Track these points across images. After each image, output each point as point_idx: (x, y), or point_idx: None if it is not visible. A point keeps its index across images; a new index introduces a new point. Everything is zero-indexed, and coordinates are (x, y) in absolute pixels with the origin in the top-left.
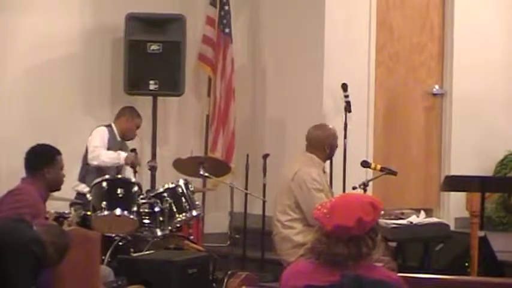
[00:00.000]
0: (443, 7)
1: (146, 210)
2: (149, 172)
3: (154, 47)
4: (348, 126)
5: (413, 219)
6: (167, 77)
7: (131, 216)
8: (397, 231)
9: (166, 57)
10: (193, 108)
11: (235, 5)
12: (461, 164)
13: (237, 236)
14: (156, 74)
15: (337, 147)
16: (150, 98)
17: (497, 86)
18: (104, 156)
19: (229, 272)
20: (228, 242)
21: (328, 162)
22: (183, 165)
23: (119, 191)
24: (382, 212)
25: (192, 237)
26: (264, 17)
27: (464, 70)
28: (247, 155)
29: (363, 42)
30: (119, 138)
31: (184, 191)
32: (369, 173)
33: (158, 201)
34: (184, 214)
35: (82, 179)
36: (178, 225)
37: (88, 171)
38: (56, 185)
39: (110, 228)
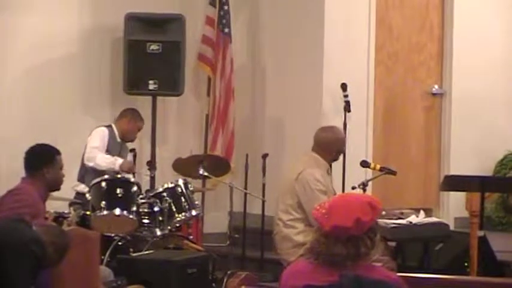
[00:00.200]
0: (442, 7)
1: (145, 210)
2: (148, 172)
3: (153, 46)
4: (347, 126)
5: (413, 219)
6: (167, 76)
7: (130, 216)
8: (397, 231)
9: (165, 57)
10: (193, 108)
11: (234, 4)
12: (461, 164)
13: (236, 235)
14: (155, 73)
15: (343, 152)
16: (150, 97)
17: (496, 85)
18: (99, 159)
19: (228, 272)
20: (228, 242)
21: None
22: (182, 165)
23: (118, 190)
24: (384, 213)
25: (191, 237)
26: (264, 16)
27: (464, 70)
28: (247, 155)
29: (363, 42)
30: (118, 139)
31: (184, 190)
32: (369, 173)
33: (157, 201)
34: (183, 214)
35: (81, 178)
36: (177, 225)
37: (87, 172)
38: (56, 185)
39: (109, 228)
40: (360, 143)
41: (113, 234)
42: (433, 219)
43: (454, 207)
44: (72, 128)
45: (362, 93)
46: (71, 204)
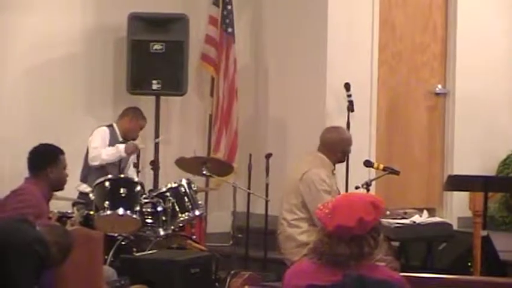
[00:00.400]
0: (446, 7)
1: (149, 210)
2: (152, 172)
3: (157, 46)
4: (351, 126)
5: (416, 218)
6: (170, 76)
7: (134, 216)
8: (400, 230)
9: (169, 57)
10: (196, 108)
11: (237, 4)
12: (464, 164)
13: (239, 235)
14: (158, 73)
15: (349, 153)
16: (153, 97)
17: (500, 85)
18: (103, 154)
19: (231, 272)
20: (231, 242)
21: None
22: (186, 164)
23: (121, 190)
24: (388, 213)
25: (194, 236)
26: (267, 16)
27: (467, 70)
28: (250, 155)
29: (366, 42)
30: (120, 139)
31: (187, 190)
32: (372, 173)
33: (161, 200)
34: (187, 214)
35: (84, 179)
36: (181, 224)
37: (90, 172)
38: (59, 185)
39: (112, 227)
40: (363, 143)
41: (116, 234)
42: (437, 219)
43: (457, 207)
44: (74, 128)
45: (365, 93)
46: (74, 204)
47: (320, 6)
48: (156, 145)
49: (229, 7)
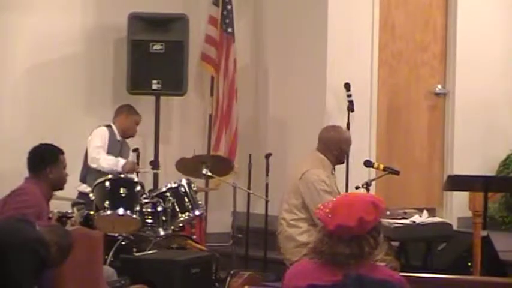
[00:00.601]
0: (446, 6)
1: (149, 210)
2: (152, 171)
3: (157, 46)
4: (351, 126)
5: (416, 218)
6: (170, 76)
7: (134, 216)
8: (400, 230)
9: (169, 57)
10: (196, 108)
11: (237, 4)
12: (464, 164)
13: (239, 235)
14: (158, 73)
15: (347, 153)
16: (153, 97)
17: (500, 85)
18: (102, 161)
19: (232, 272)
20: (231, 242)
21: None
22: (185, 166)
23: (121, 190)
24: (388, 213)
25: (194, 236)
26: (267, 16)
27: (467, 69)
28: (250, 155)
29: (366, 42)
30: (118, 138)
31: (187, 190)
32: (372, 173)
33: (161, 200)
34: (187, 214)
35: (83, 179)
36: (181, 224)
37: (89, 172)
38: (59, 185)
39: (112, 227)
40: (363, 143)
41: (116, 234)
42: (437, 219)
43: (457, 207)
44: (75, 128)
45: (365, 92)
46: (74, 204)
47: (320, 6)
48: (156, 145)
49: (229, 7)
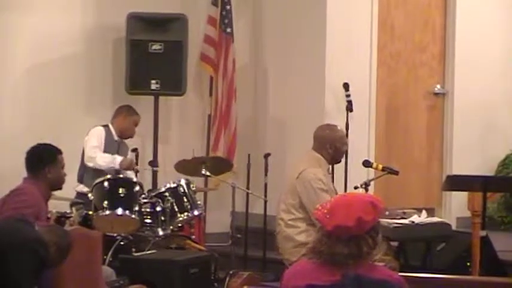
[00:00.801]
0: (445, 6)
1: (148, 210)
2: (151, 171)
3: (156, 46)
4: (350, 126)
5: (415, 218)
6: (169, 76)
7: (133, 216)
8: (399, 230)
9: (168, 57)
10: (195, 108)
11: (236, 4)
12: (463, 164)
13: (238, 235)
14: (157, 73)
15: (343, 151)
16: (152, 97)
17: (499, 85)
18: (99, 159)
19: (230, 272)
20: (230, 242)
21: None
22: (185, 166)
23: (120, 190)
24: (387, 213)
25: (193, 236)
26: (266, 16)
27: (466, 70)
28: (249, 155)
29: (365, 42)
30: (116, 138)
31: (186, 190)
32: (371, 173)
33: (160, 200)
34: (185, 214)
35: (80, 179)
36: (179, 224)
37: (86, 171)
38: (58, 184)
39: (111, 227)
40: (362, 143)
41: (115, 234)
42: (435, 219)
43: (456, 207)
44: (74, 128)
45: (364, 93)
46: (73, 204)
47: (319, 6)
48: (155, 145)
49: (228, 7)
